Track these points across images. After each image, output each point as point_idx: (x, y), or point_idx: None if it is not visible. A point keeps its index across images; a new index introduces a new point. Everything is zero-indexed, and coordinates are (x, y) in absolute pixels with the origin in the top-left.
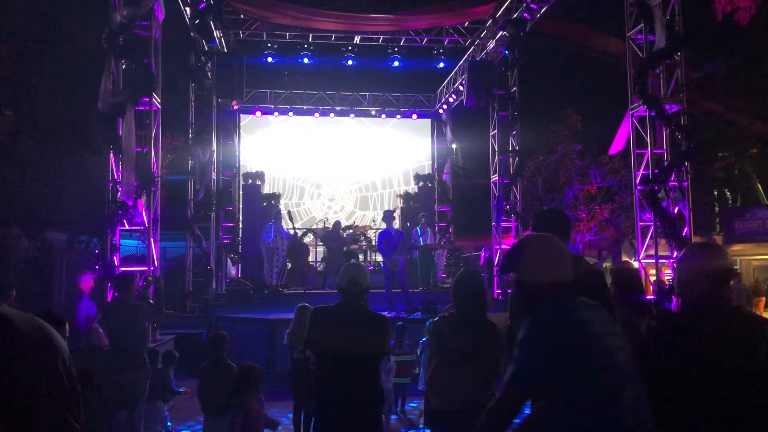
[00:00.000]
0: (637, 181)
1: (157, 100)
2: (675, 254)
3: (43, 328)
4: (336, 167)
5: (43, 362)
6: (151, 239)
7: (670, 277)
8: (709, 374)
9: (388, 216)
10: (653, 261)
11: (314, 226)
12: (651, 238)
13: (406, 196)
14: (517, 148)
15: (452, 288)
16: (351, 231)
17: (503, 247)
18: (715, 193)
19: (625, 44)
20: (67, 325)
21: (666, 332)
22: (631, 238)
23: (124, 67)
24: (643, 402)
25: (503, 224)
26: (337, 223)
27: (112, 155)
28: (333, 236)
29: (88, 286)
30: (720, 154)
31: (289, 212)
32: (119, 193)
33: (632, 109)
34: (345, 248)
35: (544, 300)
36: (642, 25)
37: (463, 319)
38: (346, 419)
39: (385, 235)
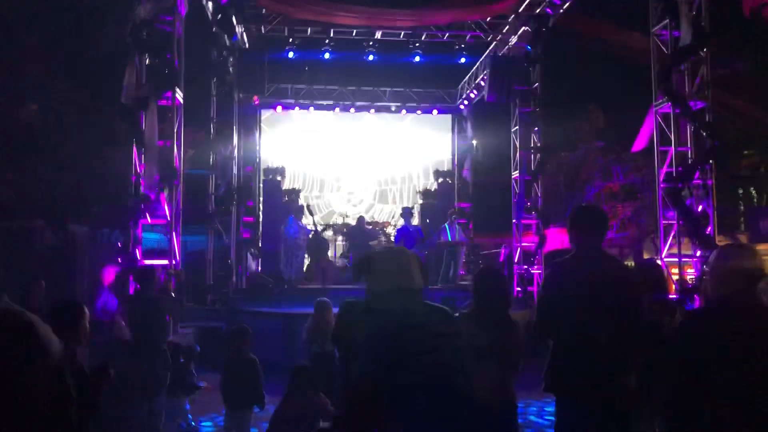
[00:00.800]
0: (661, 178)
1: (179, 95)
2: (698, 253)
3: (21, 326)
4: (356, 161)
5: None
6: (173, 233)
7: (693, 276)
8: (737, 369)
9: (406, 213)
10: (676, 260)
11: (333, 221)
12: (674, 236)
13: (425, 192)
14: (538, 144)
15: (474, 284)
16: (370, 227)
17: (524, 244)
18: (740, 191)
19: (649, 40)
20: (86, 316)
21: (697, 326)
22: (653, 236)
23: (147, 61)
24: None
25: (524, 221)
26: (361, 219)
27: (135, 149)
28: (357, 231)
29: (110, 279)
30: (745, 152)
31: (307, 206)
32: (142, 187)
33: (656, 105)
34: (370, 243)
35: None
36: (667, 20)
37: (485, 315)
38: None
39: (404, 232)
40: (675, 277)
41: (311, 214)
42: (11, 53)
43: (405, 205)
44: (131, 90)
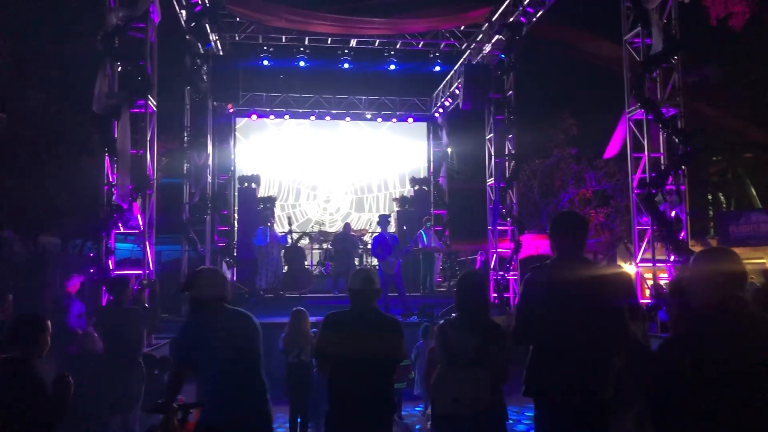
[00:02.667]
0: (634, 184)
1: (152, 103)
2: (672, 258)
3: None
4: (332, 169)
5: None
6: (146, 243)
7: (667, 281)
8: (719, 383)
9: (383, 220)
10: (650, 265)
11: (310, 229)
12: (648, 242)
13: (402, 200)
14: (513, 151)
15: (456, 290)
16: (353, 233)
17: (499, 250)
18: (710, 197)
19: (622, 48)
20: (47, 329)
21: (676, 342)
22: (626, 242)
23: (119, 69)
24: None
25: (499, 228)
26: (347, 226)
27: (107, 158)
28: (341, 239)
29: (75, 288)
30: (714, 159)
31: (289, 218)
32: (114, 196)
33: (629, 112)
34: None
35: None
36: (639, 28)
37: (468, 321)
38: (359, 426)
39: (380, 240)
40: (649, 282)
41: (290, 224)
42: None
43: (381, 212)
44: (103, 98)
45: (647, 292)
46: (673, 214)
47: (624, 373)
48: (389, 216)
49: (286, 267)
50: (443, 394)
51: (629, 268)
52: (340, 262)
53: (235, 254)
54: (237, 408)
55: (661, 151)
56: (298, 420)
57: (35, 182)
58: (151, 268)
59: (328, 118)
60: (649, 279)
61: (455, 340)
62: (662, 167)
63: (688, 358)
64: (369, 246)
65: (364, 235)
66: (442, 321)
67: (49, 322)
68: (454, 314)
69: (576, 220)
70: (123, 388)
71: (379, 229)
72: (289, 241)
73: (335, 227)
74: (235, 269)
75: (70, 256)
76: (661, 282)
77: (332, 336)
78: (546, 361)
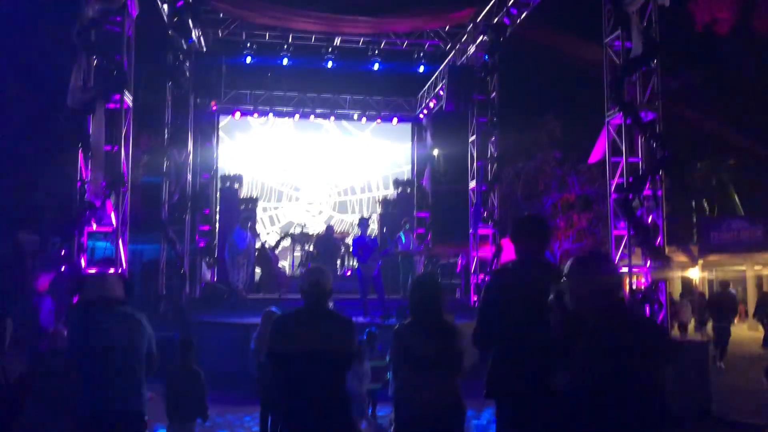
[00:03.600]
0: (612, 189)
1: (128, 98)
2: (648, 263)
3: None
4: (315, 171)
5: None
6: (119, 241)
7: (643, 286)
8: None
9: (363, 223)
10: (626, 270)
11: (291, 231)
12: (625, 246)
13: (385, 202)
14: (495, 154)
15: (409, 293)
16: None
17: (480, 254)
18: (693, 203)
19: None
20: (8, 327)
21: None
22: (608, 247)
23: (95, 63)
24: None
25: (480, 231)
26: (330, 228)
27: (81, 154)
28: (324, 240)
29: (44, 286)
30: (698, 165)
31: (283, 237)
32: (87, 193)
33: (608, 116)
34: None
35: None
36: (619, 31)
37: (423, 324)
38: (313, 426)
39: (360, 242)
40: (626, 287)
41: (281, 239)
42: None
43: (363, 215)
44: (77, 92)
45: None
46: (650, 219)
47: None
48: (369, 219)
49: (258, 270)
50: (405, 397)
51: None
52: (322, 263)
53: (216, 254)
54: (106, 403)
55: (640, 156)
56: (269, 419)
57: (12, 178)
58: (125, 267)
59: (312, 117)
60: (625, 284)
61: (413, 343)
62: (640, 172)
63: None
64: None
65: (346, 237)
66: (397, 326)
67: (10, 320)
68: (408, 317)
69: (538, 225)
70: None
71: (359, 232)
72: (258, 244)
73: (318, 229)
74: (215, 269)
75: (49, 253)
76: (638, 287)
77: (281, 336)
78: (507, 363)
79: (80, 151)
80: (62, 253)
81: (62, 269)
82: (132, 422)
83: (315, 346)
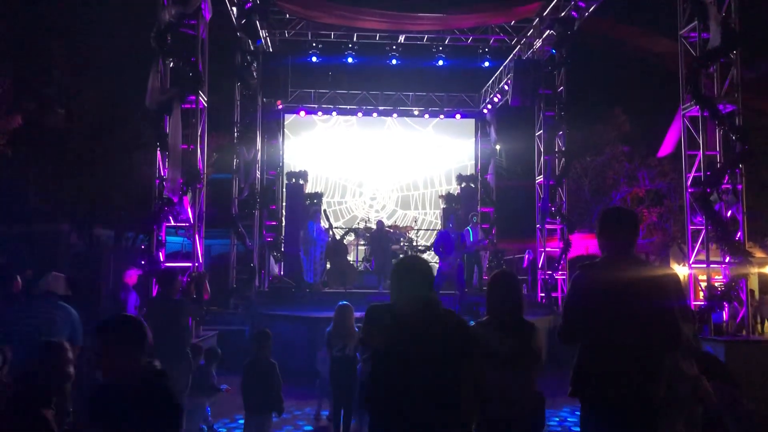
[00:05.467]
0: (688, 183)
1: (203, 99)
2: (727, 259)
3: None
4: (378, 166)
5: None
6: (196, 236)
7: (721, 283)
8: None
9: (452, 218)
10: (704, 266)
11: (355, 225)
12: (702, 242)
13: (448, 197)
14: (563, 148)
15: (487, 291)
16: (392, 231)
17: (548, 249)
18: None
19: (677, 43)
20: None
21: None
22: (679, 242)
23: (171, 65)
24: None
25: (548, 227)
26: (380, 223)
27: (159, 153)
28: (377, 236)
29: (133, 281)
30: None
31: (324, 211)
32: (165, 190)
33: (684, 109)
34: (392, 247)
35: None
36: (695, 22)
37: (500, 322)
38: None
39: (444, 236)
40: (703, 284)
41: (328, 219)
42: (39, 61)
43: (426, 210)
44: (155, 94)
45: (701, 294)
46: (729, 214)
47: (676, 373)
48: (456, 213)
49: (328, 263)
50: (491, 396)
51: (682, 270)
52: (377, 259)
53: (282, 249)
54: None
55: (717, 149)
56: (342, 413)
57: (89, 176)
58: (200, 261)
59: (375, 114)
60: (703, 281)
61: (491, 342)
62: (718, 166)
63: None
64: (416, 242)
65: (408, 231)
66: (474, 324)
67: None
68: (486, 315)
69: (625, 217)
70: (171, 377)
71: (442, 226)
72: (330, 236)
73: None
74: (282, 263)
75: (124, 248)
76: (716, 284)
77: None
78: (594, 361)
79: (158, 149)
80: (142, 247)
81: (143, 263)
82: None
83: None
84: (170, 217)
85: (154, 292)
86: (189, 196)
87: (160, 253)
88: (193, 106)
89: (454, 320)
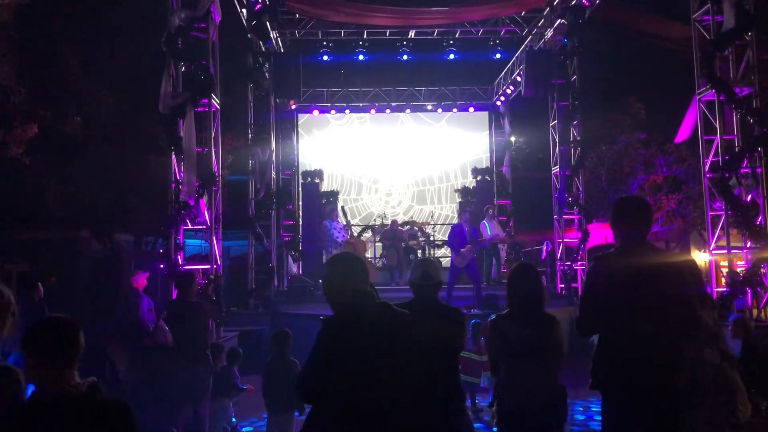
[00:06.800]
0: (706, 168)
1: (216, 101)
2: (749, 244)
3: None
4: (393, 162)
5: None
6: (213, 238)
7: (743, 269)
8: None
9: (467, 211)
10: (725, 252)
11: (372, 222)
12: (722, 228)
13: (464, 191)
14: (578, 138)
15: (507, 284)
16: (408, 226)
17: (566, 240)
18: None
19: (690, 27)
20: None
21: None
22: (700, 228)
23: (183, 69)
24: None
25: (565, 217)
26: (394, 222)
27: (173, 156)
28: (390, 234)
29: (142, 285)
30: None
31: (342, 207)
32: (181, 194)
33: (699, 93)
34: (403, 245)
35: None
36: (708, 5)
37: (522, 314)
38: (428, 418)
39: (458, 230)
40: (725, 270)
41: (345, 215)
42: (56, 67)
43: (443, 204)
44: (168, 98)
45: (722, 281)
46: (749, 198)
47: (698, 361)
48: (470, 207)
49: None
50: (512, 389)
51: (703, 256)
52: (389, 256)
53: (300, 248)
54: None
55: (735, 132)
56: None
57: (106, 181)
58: (218, 263)
59: (388, 111)
60: (724, 267)
61: (512, 334)
62: (736, 149)
63: None
64: (433, 237)
65: (425, 227)
66: (494, 317)
67: None
68: (507, 307)
69: (639, 205)
70: (193, 379)
71: (457, 219)
72: (349, 233)
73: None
74: (300, 262)
75: (143, 252)
76: (738, 269)
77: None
78: (614, 351)
79: (173, 153)
80: (160, 251)
81: (161, 266)
82: None
83: (428, 338)
84: (187, 220)
85: (173, 296)
86: (205, 198)
87: (179, 257)
88: (206, 109)
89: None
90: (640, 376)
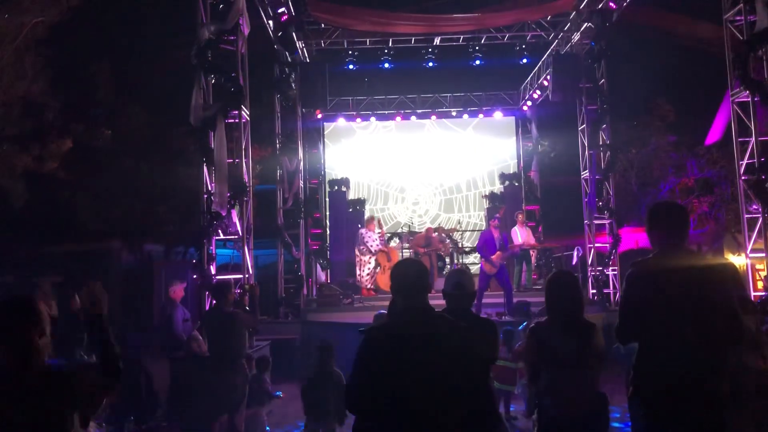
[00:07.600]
0: (741, 171)
1: (246, 113)
2: None
3: None
4: (419, 170)
5: None
6: (245, 247)
7: None
8: None
9: (496, 218)
10: (762, 255)
11: (399, 231)
12: (759, 231)
13: (492, 197)
14: (608, 142)
15: (546, 291)
16: (436, 233)
17: (597, 245)
18: None
19: (721, 28)
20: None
21: None
22: (734, 231)
23: (213, 81)
24: None
25: (596, 222)
26: (429, 230)
27: (204, 168)
28: (424, 241)
29: (179, 296)
30: None
31: (377, 218)
32: (213, 204)
33: (733, 95)
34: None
35: None
36: (741, 5)
37: (562, 322)
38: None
39: (487, 237)
40: (762, 273)
41: (380, 225)
42: (87, 81)
43: (471, 212)
44: (199, 110)
45: (760, 284)
46: None
47: (740, 367)
48: (499, 213)
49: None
50: (556, 396)
51: (738, 260)
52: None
53: (328, 256)
54: None
55: None
56: None
57: (136, 192)
58: (251, 272)
59: (413, 118)
60: (761, 270)
61: (552, 343)
62: None
63: None
64: (461, 244)
65: (452, 233)
66: (533, 324)
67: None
68: (545, 316)
69: (675, 210)
70: (228, 388)
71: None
72: (384, 242)
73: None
74: (329, 271)
75: (174, 262)
76: None
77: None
78: (655, 359)
79: (204, 165)
80: (193, 262)
81: (194, 277)
82: None
83: (467, 349)
84: (219, 231)
85: (207, 306)
86: (237, 209)
87: (212, 267)
88: (237, 120)
89: (447, 325)
90: (682, 383)
